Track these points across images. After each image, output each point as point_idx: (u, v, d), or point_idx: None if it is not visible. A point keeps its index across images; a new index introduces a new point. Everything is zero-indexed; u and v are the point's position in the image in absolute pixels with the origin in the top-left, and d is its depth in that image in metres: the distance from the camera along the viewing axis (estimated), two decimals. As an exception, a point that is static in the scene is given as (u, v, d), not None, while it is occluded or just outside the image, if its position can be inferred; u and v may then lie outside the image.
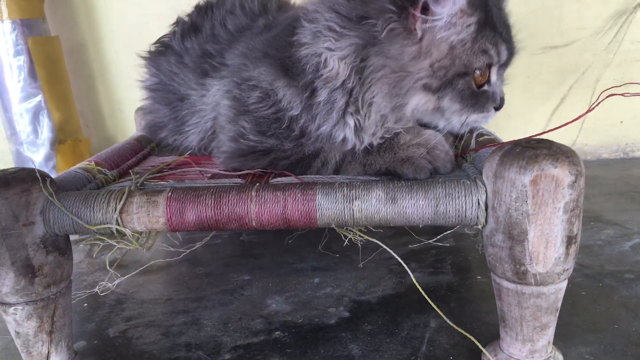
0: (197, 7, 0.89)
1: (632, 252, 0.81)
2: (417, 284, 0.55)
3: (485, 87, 0.60)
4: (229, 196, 0.52)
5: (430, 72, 0.57)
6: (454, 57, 0.57)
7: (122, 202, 0.53)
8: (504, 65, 0.63)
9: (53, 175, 0.59)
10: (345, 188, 0.50)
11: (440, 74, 0.57)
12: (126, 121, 1.43)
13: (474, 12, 0.57)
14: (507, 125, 1.31)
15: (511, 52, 0.62)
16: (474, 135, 0.65)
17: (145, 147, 0.88)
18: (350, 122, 0.60)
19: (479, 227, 0.49)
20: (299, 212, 0.51)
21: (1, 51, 1.20)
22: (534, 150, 0.44)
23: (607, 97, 0.54)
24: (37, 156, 1.27)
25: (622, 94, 0.55)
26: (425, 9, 0.54)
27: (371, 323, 0.66)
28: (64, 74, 1.31)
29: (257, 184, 0.53)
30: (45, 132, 1.26)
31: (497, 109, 0.63)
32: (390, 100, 0.58)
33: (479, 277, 0.76)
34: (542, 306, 0.48)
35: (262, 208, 0.51)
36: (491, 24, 0.58)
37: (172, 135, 0.85)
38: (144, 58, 0.91)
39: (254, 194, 0.52)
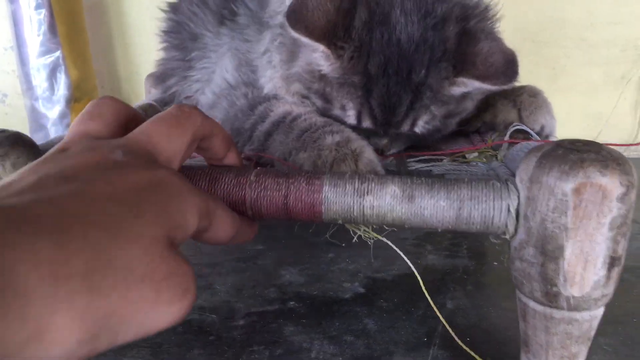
0: None
1: (651, 250, 0.80)
2: (415, 271, 0.54)
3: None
4: (225, 179, 0.46)
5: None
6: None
7: None
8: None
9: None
10: (357, 181, 0.44)
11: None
12: (142, 85, 1.42)
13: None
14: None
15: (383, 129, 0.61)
16: (509, 130, 0.60)
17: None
18: None
19: (507, 237, 0.44)
20: (302, 203, 0.44)
21: (22, 3, 1.18)
22: (579, 153, 0.38)
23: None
24: (52, 113, 1.26)
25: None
26: None
27: (387, 300, 0.66)
28: (83, 32, 1.29)
29: (259, 168, 0.47)
30: (62, 89, 1.25)
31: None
32: None
33: (495, 264, 0.75)
34: (572, 334, 0.42)
35: (260, 195, 0.45)
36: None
37: (177, 83, 0.82)
38: (163, 10, 0.88)
39: (253, 178, 0.46)
